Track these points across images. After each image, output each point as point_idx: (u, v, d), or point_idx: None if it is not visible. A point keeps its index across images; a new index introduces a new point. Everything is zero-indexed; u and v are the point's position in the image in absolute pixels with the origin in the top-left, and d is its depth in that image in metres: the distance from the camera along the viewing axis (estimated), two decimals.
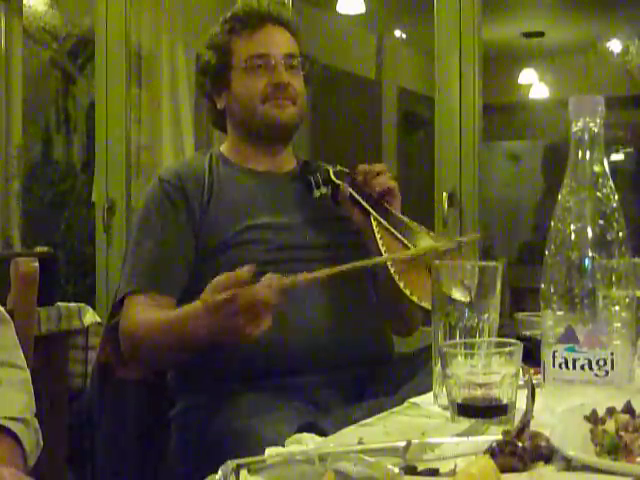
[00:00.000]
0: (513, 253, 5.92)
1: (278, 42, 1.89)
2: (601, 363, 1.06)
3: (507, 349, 1.08)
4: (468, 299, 1.21)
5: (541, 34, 6.06)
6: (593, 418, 0.94)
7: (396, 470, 0.82)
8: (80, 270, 4.13)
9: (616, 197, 1.10)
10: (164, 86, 3.70)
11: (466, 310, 1.20)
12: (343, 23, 5.22)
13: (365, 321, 1.81)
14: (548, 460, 0.88)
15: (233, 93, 1.90)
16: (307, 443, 1.05)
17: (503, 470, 0.82)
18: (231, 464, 0.85)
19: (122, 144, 3.59)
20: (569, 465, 0.86)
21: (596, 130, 1.11)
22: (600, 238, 1.08)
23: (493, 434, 0.96)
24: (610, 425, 0.91)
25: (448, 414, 1.10)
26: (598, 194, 1.10)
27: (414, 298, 1.67)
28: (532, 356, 1.19)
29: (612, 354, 1.07)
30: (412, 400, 1.26)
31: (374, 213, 1.81)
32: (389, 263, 1.70)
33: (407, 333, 1.96)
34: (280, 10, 1.93)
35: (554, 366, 1.08)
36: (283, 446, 1.03)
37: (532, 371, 1.23)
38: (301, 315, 1.67)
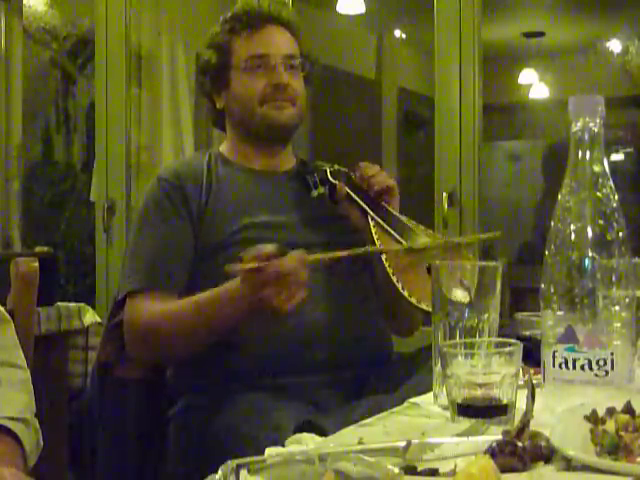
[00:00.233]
0: (513, 253, 5.92)
1: (278, 42, 1.89)
2: (601, 363, 1.06)
3: (507, 349, 1.08)
4: (468, 299, 1.21)
5: (541, 34, 6.06)
6: (593, 418, 0.94)
7: (396, 470, 0.82)
8: (80, 270, 4.13)
9: (616, 197, 1.10)
10: (164, 86, 3.70)
11: (466, 310, 1.20)
12: (343, 23, 5.22)
13: (365, 321, 1.81)
14: (548, 460, 0.88)
15: (233, 93, 1.90)
16: (307, 443, 1.05)
17: (503, 470, 0.82)
18: (231, 464, 0.85)
19: (122, 144, 3.59)
20: (569, 465, 0.86)
21: (596, 130, 1.11)
22: (600, 238, 1.08)
23: (493, 434, 0.96)
24: (610, 425, 0.91)
25: (448, 414, 1.10)
26: (598, 194, 1.10)
27: (413, 300, 1.67)
28: (532, 356, 1.19)
29: (612, 354, 1.07)
30: (412, 400, 1.26)
31: (371, 213, 1.81)
32: (387, 264, 1.70)
33: (407, 333, 1.96)
34: (281, 10, 1.93)
35: (554, 366, 1.08)
36: (283, 446, 1.03)
37: (532, 371, 1.23)
38: (301, 315, 1.67)
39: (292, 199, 1.90)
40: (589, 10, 5.66)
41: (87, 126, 4.32)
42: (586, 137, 1.11)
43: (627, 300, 1.09)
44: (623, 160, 6.47)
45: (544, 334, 1.11)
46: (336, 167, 1.90)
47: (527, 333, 1.47)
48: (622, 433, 0.89)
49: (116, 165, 3.59)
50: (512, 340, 1.13)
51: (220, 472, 0.85)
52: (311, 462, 0.87)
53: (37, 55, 4.41)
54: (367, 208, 1.82)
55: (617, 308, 1.08)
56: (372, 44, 5.71)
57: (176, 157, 3.65)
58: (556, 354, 1.08)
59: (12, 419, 1.26)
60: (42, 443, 1.34)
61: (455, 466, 0.85)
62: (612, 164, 1.11)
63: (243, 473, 0.85)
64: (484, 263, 1.26)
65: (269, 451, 0.96)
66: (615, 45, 6.08)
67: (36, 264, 1.73)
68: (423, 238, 1.78)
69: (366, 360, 1.76)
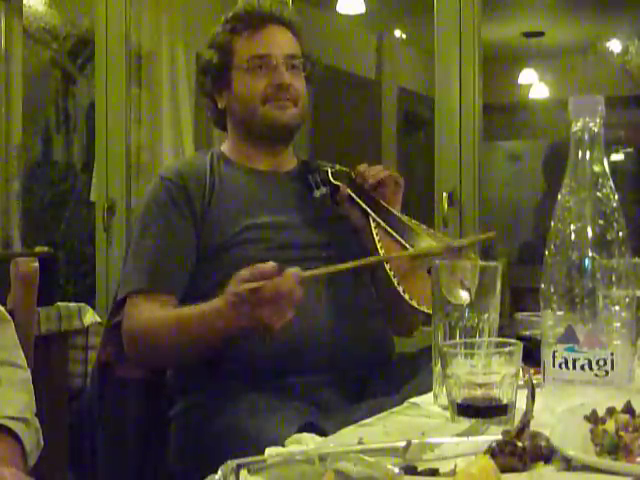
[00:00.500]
0: (513, 253, 5.92)
1: (280, 42, 1.89)
2: (601, 363, 1.06)
3: (507, 349, 1.08)
4: (468, 299, 1.21)
5: (541, 34, 6.06)
6: (593, 418, 0.94)
7: (396, 470, 0.82)
8: (80, 270, 4.13)
9: (616, 197, 1.10)
10: (164, 86, 3.70)
11: (466, 310, 1.20)
12: (343, 23, 5.22)
13: (366, 321, 1.81)
14: (548, 460, 0.88)
15: (234, 93, 1.90)
16: (307, 443, 1.05)
17: (503, 470, 0.82)
18: (231, 464, 0.85)
19: (122, 144, 3.59)
20: (569, 465, 0.86)
21: (596, 130, 1.11)
22: (600, 238, 1.08)
23: (493, 434, 0.96)
24: (610, 425, 0.91)
25: (448, 414, 1.10)
26: (598, 194, 1.10)
27: (413, 303, 1.67)
28: (532, 356, 1.19)
29: (612, 354, 1.07)
30: (412, 400, 1.26)
31: (372, 214, 1.81)
32: (387, 266, 1.70)
33: (407, 334, 1.96)
34: (282, 10, 1.93)
35: (554, 366, 1.09)
36: (283, 446, 1.03)
37: (532, 371, 1.23)
38: (302, 315, 1.67)
39: (294, 199, 1.90)
40: (589, 10, 5.66)
41: (87, 126, 4.32)
42: (586, 137, 1.11)
43: (627, 300, 1.09)
44: (623, 160, 6.47)
45: (544, 334, 1.11)
46: (338, 168, 1.90)
47: (527, 333, 1.47)
48: (622, 433, 0.89)
49: (116, 165, 3.59)
50: (512, 340, 1.13)
51: (220, 472, 0.85)
52: (311, 462, 0.87)
53: (37, 55, 4.41)
54: (368, 209, 1.82)
55: (617, 308, 1.08)
56: (372, 44, 5.71)
57: (176, 157, 3.65)
58: (556, 354, 1.08)
59: (13, 419, 1.27)
60: (42, 443, 1.34)
61: (455, 466, 0.85)
62: (612, 164, 1.11)
63: (243, 473, 0.85)
64: (484, 263, 1.26)
65: (269, 451, 0.96)
66: (615, 45, 6.09)
67: (36, 264, 1.73)
68: (425, 238, 1.78)
69: (367, 360, 1.76)
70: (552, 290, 1.09)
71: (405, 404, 1.25)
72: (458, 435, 0.99)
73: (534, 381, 1.07)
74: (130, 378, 1.85)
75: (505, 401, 1.06)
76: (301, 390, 1.68)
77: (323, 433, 1.12)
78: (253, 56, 1.87)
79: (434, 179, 3.09)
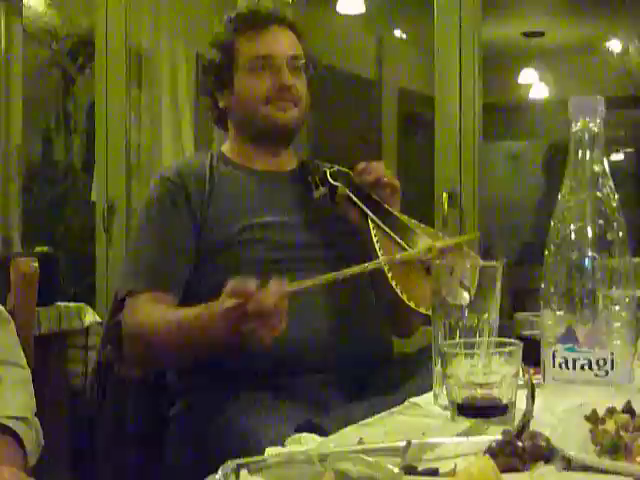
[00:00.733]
0: (513, 253, 5.91)
1: (282, 43, 1.89)
2: (601, 363, 1.06)
3: (507, 349, 1.08)
4: (468, 299, 1.21)
5: (541, 34, 6.05)
6: (593, 418, 0.94)
7: (396, 470, 0.82)
8: (80, 270, 4.13)
9: (616, 197, 1.10)
10: (164, 86, 3.70)
11: (466, 310, 1.20)
12: (343, 23, 5.22)
13: (365, 321, 1.81)
14: (548, 460, 0.88)
15: (236, 93, 1.89)
16: (307, 443, 1.05)
17: (503, 470, 0.82)
18: (231, 464, 0.85)
19: (122, 144, 3.59)
20: (569, 465, 0.86)
21: (596, 130, 1.11)
22: (600, 238, 1.08)
23: (493, 434, 0.96)
24: (610, 425, 0.91)
25: (448, 414, 1.10)
26: (598, 194, 1.10)
27: (412, 304, 1.67)
28: (532, 356, 1.19)
29: (612, 354, 1.07)
30: (412, 400, 1.26)
31: (371, 215, 1.81)
32: (386, 268, 1.69)
33: (407, 334, 1.96)
34: (285, 11, 1.93)
35: (554, 366, 1.09)
36: (283, 446, 1.03)
37: (532, 371, 1.23)
38: (301, 315, 1.67)
39: (294, 200, 1.89)
40: (589, 10, 5.66)
41: (87, 126, 4.32)
42: (586, 137, 1.11)
43: (627, 300, 1.09)
44: (623, 160, 6.47)
45: (544, 334, 1.11)
46: (336, 168, 1.90)
47: (527, 333, 1.47)
48: (622, 433, 0.89)
49: (116, 165, 3.59)
50: (512, 340, 1.13)
51: (220, 472, 0.85)
52: (311, 462, 0.87)
53: (37, 55, 4.41)
54: (367, 210, 1.82)
55: (617, 308, 1.08)
56: (372, 44, 5.71)
57: (176, 157, 3.65)
58: (556, 354, 1.08)
59: (13, 418, 1.27)
60: (42, 442, 1.34)
61: (455, 466, 0.85)
62: (612, 164, 1.11)
63: (243, 473, 0.85)
64: (484, 263, 1.26)
65: (269, 451, 0.96)
66: (615, 45, 6.08)
67: (36, 264, 1.73)
68: (424, 238, 1.78)
69: (367, 360, 1.76)
70: (552, 290, 1.09)
71: (405, 404, 1.25)
72: (458, 435, 0.99)
73: (534, 381, 1.07)
74: (130, 378, 1.85)
75: (505, 401, 1.06)
76: (301, 390, 1.68)
77: (323, 433, 1.12)
78: (256, 56, 1.87)
79: (434, 179, 3.09)
